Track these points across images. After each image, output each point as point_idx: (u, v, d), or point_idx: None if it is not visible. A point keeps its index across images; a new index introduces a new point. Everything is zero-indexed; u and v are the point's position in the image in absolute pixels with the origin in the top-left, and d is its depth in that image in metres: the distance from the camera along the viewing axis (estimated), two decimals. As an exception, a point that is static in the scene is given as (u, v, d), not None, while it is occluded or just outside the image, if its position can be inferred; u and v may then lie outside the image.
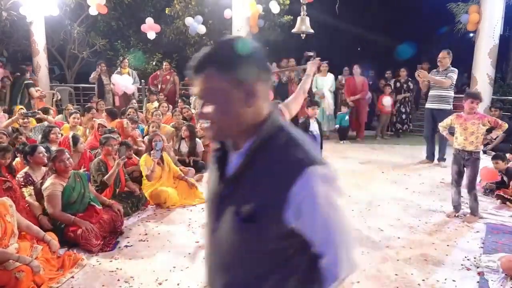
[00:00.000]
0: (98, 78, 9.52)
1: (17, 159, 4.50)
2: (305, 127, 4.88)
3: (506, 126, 4.49)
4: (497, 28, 8.45)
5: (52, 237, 3.42)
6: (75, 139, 5.02)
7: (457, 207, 4.59)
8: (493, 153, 5.75)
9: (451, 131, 4.68)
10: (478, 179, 5.49)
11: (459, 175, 4.55)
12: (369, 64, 10.20)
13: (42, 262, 3.10)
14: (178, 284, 3.11)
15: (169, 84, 9.83)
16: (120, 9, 12.11)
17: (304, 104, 9.60)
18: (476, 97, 4.43)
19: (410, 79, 9.55)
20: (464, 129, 4.38)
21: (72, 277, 3.19)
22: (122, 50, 12.60)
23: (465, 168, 4.46)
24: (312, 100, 5.06)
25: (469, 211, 4.51)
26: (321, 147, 5.09)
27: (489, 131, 4.53)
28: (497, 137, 4.59)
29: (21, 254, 2.98)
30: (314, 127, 4.91)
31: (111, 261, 3.48)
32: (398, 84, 9.39)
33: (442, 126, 4.74)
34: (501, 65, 13.51)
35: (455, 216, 4.54)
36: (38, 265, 2.96)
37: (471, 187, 4.42)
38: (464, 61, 9.85)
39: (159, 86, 9.76)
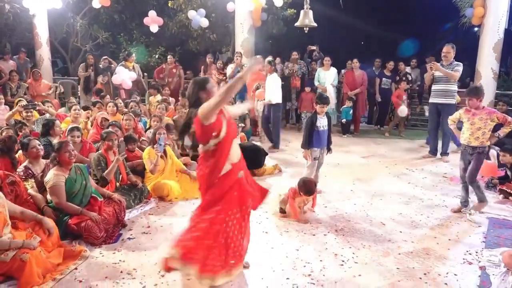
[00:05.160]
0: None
1: (20, 152, 4.52)
2: (312, 122, 4.84)
3: None
4: (502, 23, 8.39)
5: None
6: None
7: (464, 203, 4.57)
8: (496, 147, 5.72)
9: (459, 126, 4.62)
10: (479, 174, 5.50)
11: (465, 172, 4.51)
12: (372, 63, 10.11)
13: (41, 254, 3.12)
14: (180, 277, 3.12)
15: (175, 78, 9.85)
16: (123, 2, 12.10)
17: (304, 97, 9.52)
18: (468, 94, 4.36)
19: (408, 72, 9.54)
20: (472, 124, 4.32)
21: (76, 268, 3.21)
22: (125, 43, 12.59)
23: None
24: (321, 97, 4.85)
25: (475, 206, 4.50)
26: (329, 143, 4.99)
27: (495, 128, 4.39)
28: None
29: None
30: (321, 122, 4.82)
31: (114, 253, 3.50)
32: (397, 78, 9.38)
33: (451, 120, 4.68)
34: (506, 60, 13.43)
35: (460, 211, 4.53)
36: (31, 242, 3.01)
37: (471, 180, 4.39)
38: (468, 55, 9.79)
39: (166, 80, 9.77)
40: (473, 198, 4.57)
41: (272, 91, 7.38)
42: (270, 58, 8.04)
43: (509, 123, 4.25)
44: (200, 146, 2.91)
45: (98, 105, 6.91)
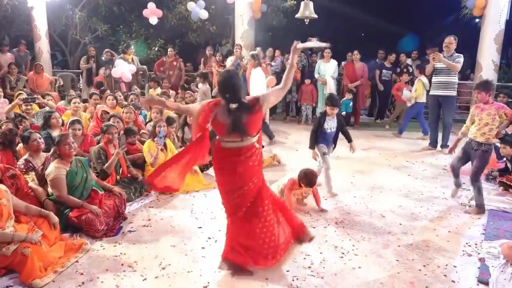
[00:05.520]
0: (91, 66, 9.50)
1: (20, 145, 4.53)
2: (319, 123, 4.75)
3: None
4: (503, 14, 8.34)
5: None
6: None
7: (458, 184, 4.64)
8: (496, 139, 5.71)
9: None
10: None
11: (458, 160, 4.52)
12: (372, 55, 10.05)
13: (43, 248, 3.13)
14: (181, 269, 3.14)
15: (176, 71, 9.82)
16: (122, -7, 12.02)
17: (304, 90, 9.43)
18: (477, 87, 4.31)
19: (409, 63, 9.51)
20: (480, 120, 4.26)
21: (77, 261, 3.23)
22: (125, 36, 12.52)
23: (472, 160, 4.37)
24: (332, 99, 4.73)
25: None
26: (335, 144, 4.97)
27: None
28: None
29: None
30: (329, 124, 4.74)
31: (114, 246, 3.51)
32: (398, 70, 9.35)
33: (466, 126, 4.52)
34: (506, 51, 13.35)
35: (457, 193, 4.56)
36: (32, 237, 3.02)
37: (474, 179, 4.30)
38: (469, 47, 9.74)
39: (167, 73, 9.73)
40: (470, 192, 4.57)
41: (256, 85, 7.16)
42: (252, 52, 7.96)
43: None
44: (249, 138, 2.93)
45: (95, 96, 6.89)
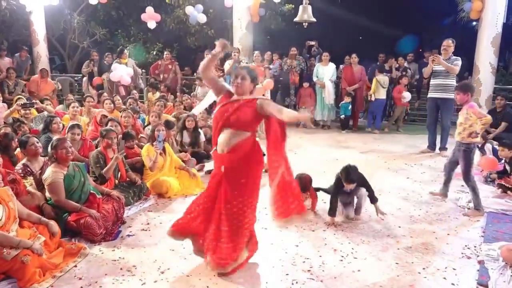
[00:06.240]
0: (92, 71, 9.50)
1: (18, 150, 4.51)
2: (337, 192, 4.26)
3: (488, 119, 4.30)
4: (500, 17, 8.38)
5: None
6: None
7: (445, 190, 4.84)
8: (495, 142, 5.74)
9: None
10: (479, 169, 5.51)
11: (450, 161, 4.72)
12: (375, 60, 10.06)
13: (43, 255, 3.12)
14: (180, 273, 3.14)
15: (170, 74, 9.81)
16: (120, -2, 12.05)
17: (303, 93, 9.42)
18: (455, 88, 4.57)
19: (407, 66, 9.54)
20: (458, 121, 4.48)
21: (75, 266, 3.21)
22: (123, 40, 12.54)
23: (459, 161, 4.52)
24: (348, 176, 4.13)
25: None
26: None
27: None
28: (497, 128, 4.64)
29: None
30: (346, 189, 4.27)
31: (113, 250, 3.50)
32: (397, 73, 9.37)
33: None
34: (504, 54, 13.40)
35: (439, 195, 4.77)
36: (40, 248, 3.01)
37: (466, 179, 4.44)
38: (466, 50, 9.78)
39: (161, 76, 9.74)
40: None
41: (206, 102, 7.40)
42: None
43: (480, 119, 4.28)
44: None
45: (88, 99, 6.89)
